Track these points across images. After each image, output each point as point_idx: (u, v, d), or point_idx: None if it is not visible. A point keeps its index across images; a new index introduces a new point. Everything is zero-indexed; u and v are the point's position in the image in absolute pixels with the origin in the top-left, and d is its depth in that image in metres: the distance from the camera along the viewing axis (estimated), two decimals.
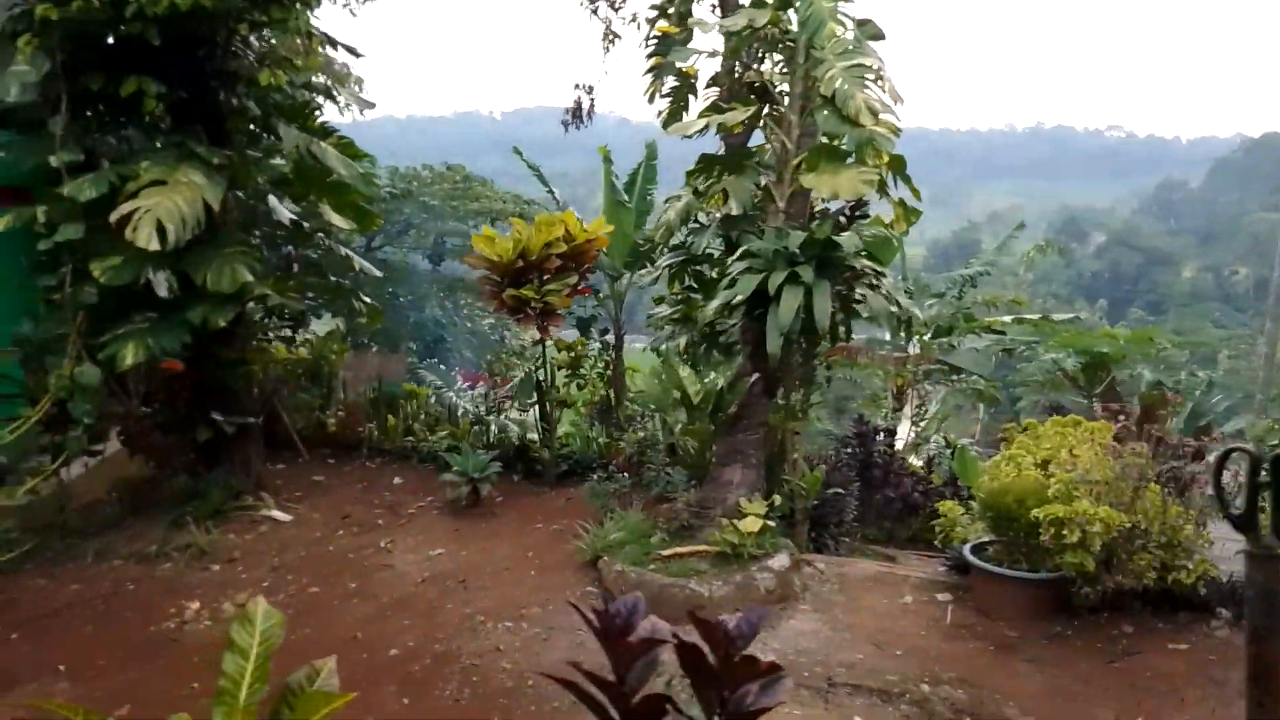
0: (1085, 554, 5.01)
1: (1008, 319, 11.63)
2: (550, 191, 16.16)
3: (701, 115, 7.50)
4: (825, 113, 6.47)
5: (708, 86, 9.34)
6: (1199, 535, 5.26)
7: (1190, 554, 5.18)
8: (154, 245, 5.75)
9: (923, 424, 11.90)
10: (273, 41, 7.30)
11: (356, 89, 9.18)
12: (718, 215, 9.12)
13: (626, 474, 7.14)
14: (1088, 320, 13.70)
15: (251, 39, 6.95)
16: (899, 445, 10.90)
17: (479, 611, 5.71)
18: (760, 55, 8.45)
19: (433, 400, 10.39)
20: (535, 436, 8.66)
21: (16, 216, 6.03)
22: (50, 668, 4.94)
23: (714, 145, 9.05)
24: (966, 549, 5.85)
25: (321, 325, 9.79)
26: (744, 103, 7.77)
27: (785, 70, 8.38)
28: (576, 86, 13.19)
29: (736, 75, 8.92)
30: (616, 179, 13.95)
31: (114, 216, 5.79)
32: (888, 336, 12.05)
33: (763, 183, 8.62)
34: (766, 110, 7.66)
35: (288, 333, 9.07)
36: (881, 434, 9.69)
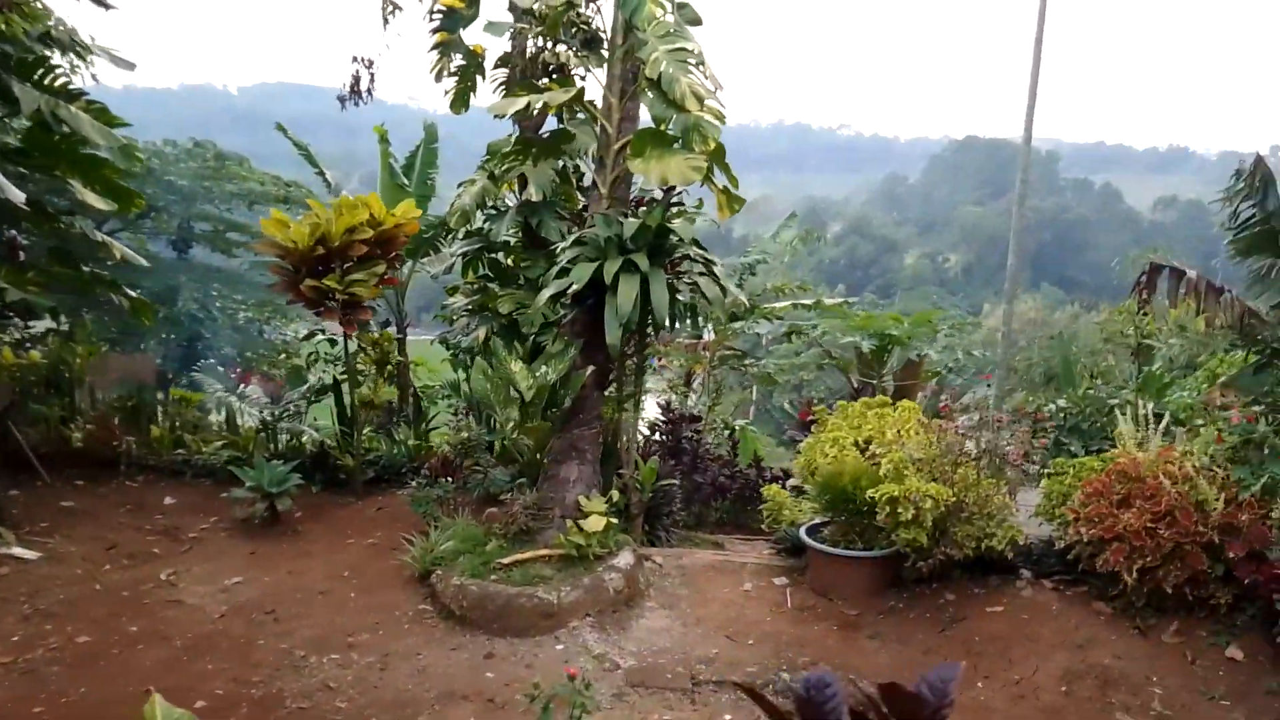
0: (919, 529, 5.28)
1: (785, 304, 12.21)
2: (320, 173, 14.94)
3: (518, 94, 7.09)
4: (651, 96, 6.32)
5: (496, 66, 8.96)
6: (1006, 504, 5.70)
7: (1001, 521, 5.60)
8: None
9: (717, 409, 12.23)
10: None
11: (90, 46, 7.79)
12: (512, 202, 8.77)
13: (448, 478, 6.65)
14: (857, 304, 14.70)
15: None
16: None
17: (298, 645, 5.07)
18: (561, 36, 8.17)
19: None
20: (332, 442, 7.89)
21: None
22: None
23: (476, 126, 8.50)
24: (802, 531, 5.99)
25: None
26: (563, 84, 7.49)
27: (583, 53, 8.20)
28: (355, 60, 12.18)
29: (530, 55, 8.61)
30: (394, 160, 13.14)
31: None
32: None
33: (562, 167, 8.38)
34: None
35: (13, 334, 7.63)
36: (687, 420, 9.81)
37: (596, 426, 6.43)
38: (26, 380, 7.60)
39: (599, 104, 7.07)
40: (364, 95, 12.82)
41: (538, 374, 6.26)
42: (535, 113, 6.97)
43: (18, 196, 6.31)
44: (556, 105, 7.12)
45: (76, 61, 7.50)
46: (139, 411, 7.97)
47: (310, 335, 9.94)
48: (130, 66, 6.41)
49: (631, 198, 7.49)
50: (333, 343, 9.55)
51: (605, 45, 8.10)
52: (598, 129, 7.07)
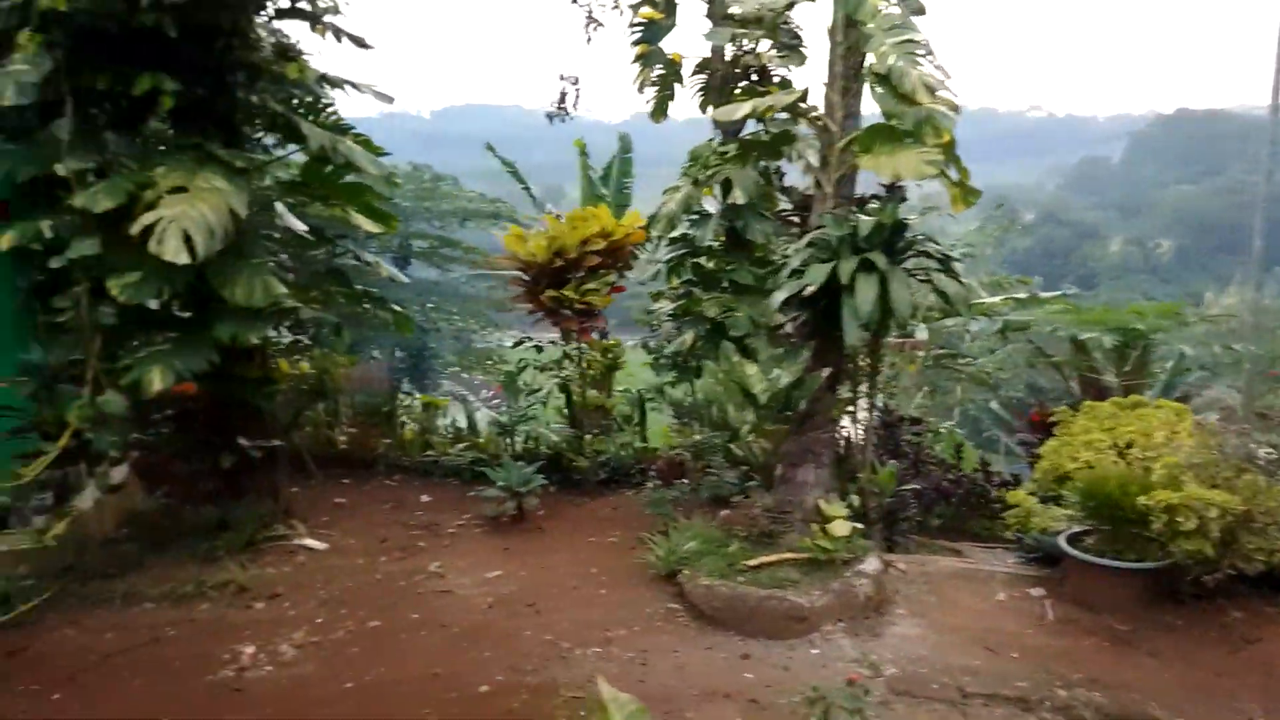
0: (1203, 540, 4.88)
1: (998, 299, 11.62)
2: (525, 188, 15.69)
3: (740, 99, 7.21)
4: (881, 91, 6.21)
5: (695, 73, 9.11)
6: None
7: None
8: (183, 258, 5.21)
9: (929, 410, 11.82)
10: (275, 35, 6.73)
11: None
12: (710, 206, 8.87)
13: (680, 480, 6.82)
14: (1073, 297, 13.71)
15: (261, 31, 6.38)
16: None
17: (560, 637, 5.34)
18: (779, 39, 8.22)
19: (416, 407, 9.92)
20: (564, 444, 8.28)
21: (20, 233, 5.41)
22: None
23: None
24: (1061, 540, 5.68)
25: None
26: (783, 86, 7.53)
27: (784, 54, 8.23)
28: (562, 78, 12.78)
29: (730, 60, 8.71)
30: (593, 171, 13.57)
31: (135, 228, 5.23)
32: None
33: (763, 169, 8.38)
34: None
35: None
36: (908, 422, 9.53)
37: (831, 430, 6.40)
38: (299, 389, 8.47)
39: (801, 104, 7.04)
40: (570, 111, 13.38)
41: (770, 377, 6.30)
42: (769, 114, 7.03)
43: (299, 226, 7.07)
44: (779, 106, 7.16)
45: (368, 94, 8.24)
46: (391, 416, 8.70)
47: (519, 343, 10.50)
48: (389, 100, 7.02)
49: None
50: (539, 349, 10.04)
51: (805, 45, 8.15)
52: (818, 128, 7.03)
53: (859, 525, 5.78)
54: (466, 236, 18.92)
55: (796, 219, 8.96)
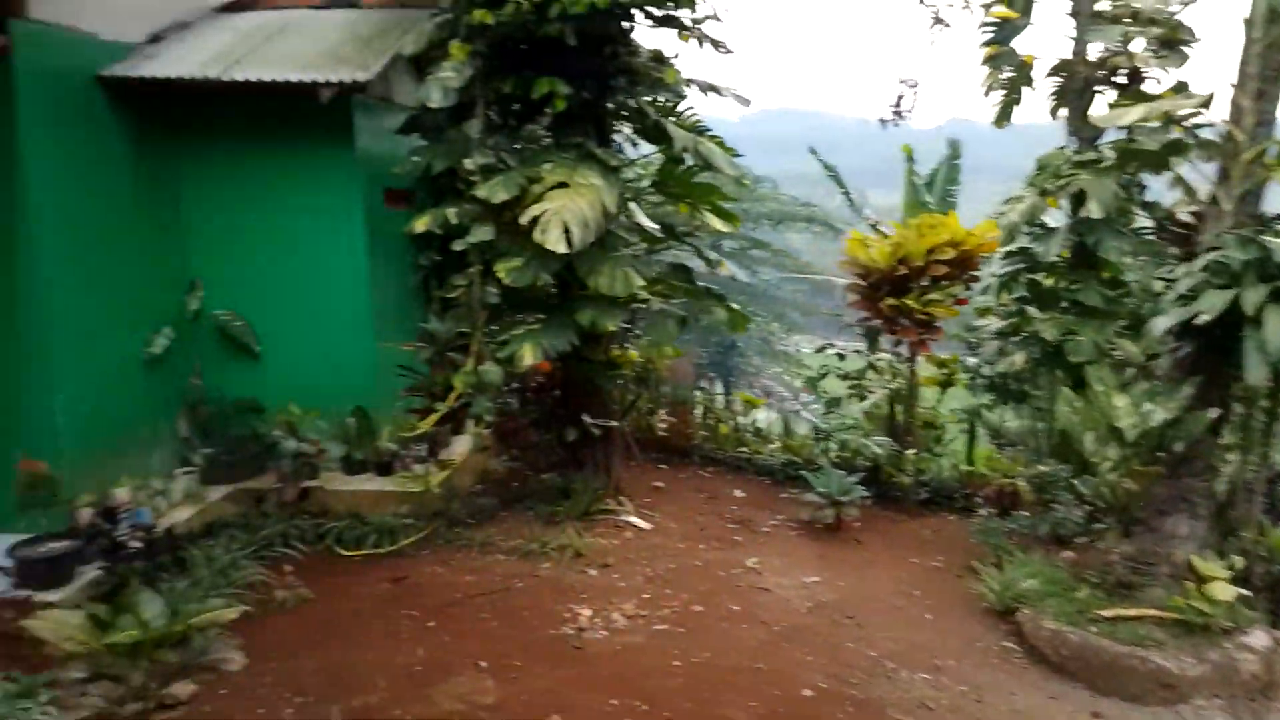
0: None
1: None
2: (845, 193, 15.47)
3: (1125, 104, 6.54)
4: None
5: (1050, 74, 8.41)
6: None
7: None
8: (561, 247, 5.71)
9: None
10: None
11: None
12: (1052, 220, 8.12)
13: (1021, 511, 6.34)
14: None
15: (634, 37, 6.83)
16: None
17: (884, 655, 5.19)
18: (1180, 36, 7.42)
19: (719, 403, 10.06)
20: (884, 456, 8.04)
21: (433, 218, 6.25)
22: (471, 662, 4.97)
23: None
24: None
25: None
26: (1178, 90, 6.75)
27: (1162, 53, 7.41)
28: (901, 81, 12.46)
29: (1095, 61, 7.94)
30: (917, 177, 13.02)
31: (525, 218, 5.82)
32: None
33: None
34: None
35: None
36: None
37: (1211, 478, 5.63)
38: (630, 375, 8.98)
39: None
40: (906, 115, 12.94)
41: (1141, 411, 5.65)
42: (1161, 117, 6.36)
43: (649, 223, 7.48)
44: (1180, 112, 6.43)
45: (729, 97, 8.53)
46: (708, 410, 8.96)
47: (821, 349, 10.33)
48: (747, 102, 7.22)
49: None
50: (841, 357, 9.81)
51: (1190, 44, 7.29)
52: (1202, 137, 6.21)
53: (1244, 592, 5.03)
54: (768, 240, 19.09)
55: (1166, 238, 8.03)
